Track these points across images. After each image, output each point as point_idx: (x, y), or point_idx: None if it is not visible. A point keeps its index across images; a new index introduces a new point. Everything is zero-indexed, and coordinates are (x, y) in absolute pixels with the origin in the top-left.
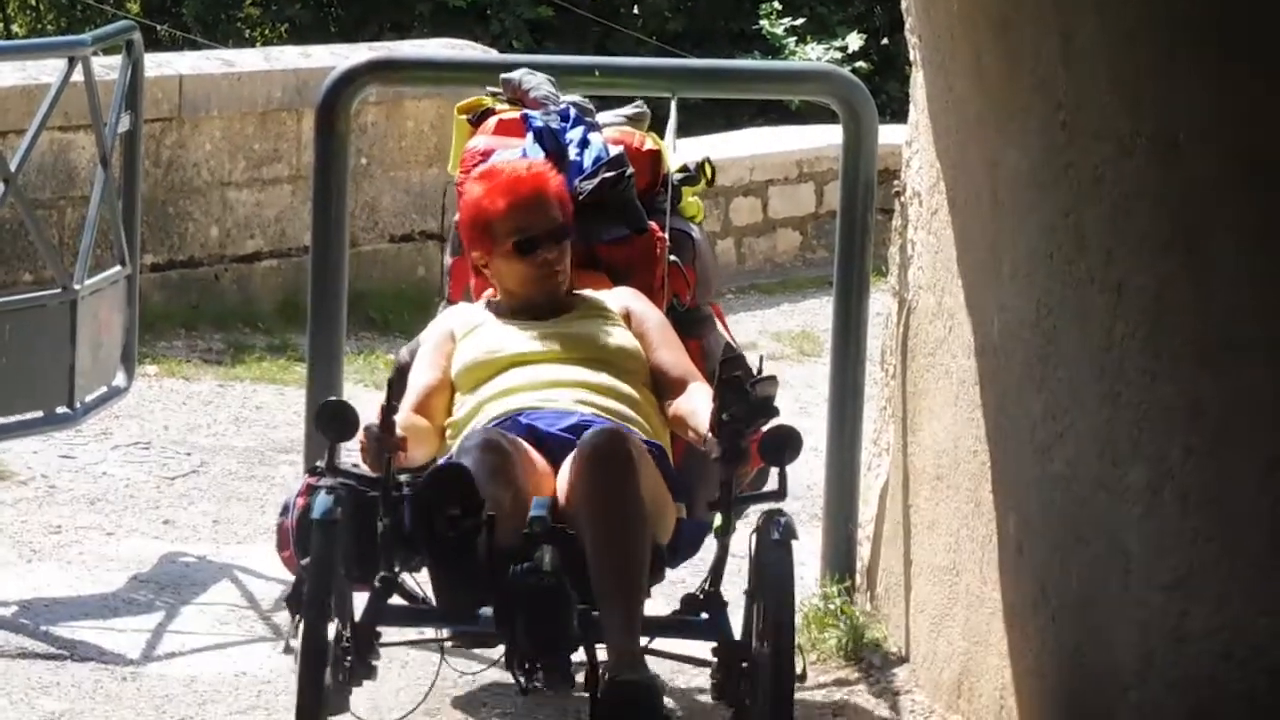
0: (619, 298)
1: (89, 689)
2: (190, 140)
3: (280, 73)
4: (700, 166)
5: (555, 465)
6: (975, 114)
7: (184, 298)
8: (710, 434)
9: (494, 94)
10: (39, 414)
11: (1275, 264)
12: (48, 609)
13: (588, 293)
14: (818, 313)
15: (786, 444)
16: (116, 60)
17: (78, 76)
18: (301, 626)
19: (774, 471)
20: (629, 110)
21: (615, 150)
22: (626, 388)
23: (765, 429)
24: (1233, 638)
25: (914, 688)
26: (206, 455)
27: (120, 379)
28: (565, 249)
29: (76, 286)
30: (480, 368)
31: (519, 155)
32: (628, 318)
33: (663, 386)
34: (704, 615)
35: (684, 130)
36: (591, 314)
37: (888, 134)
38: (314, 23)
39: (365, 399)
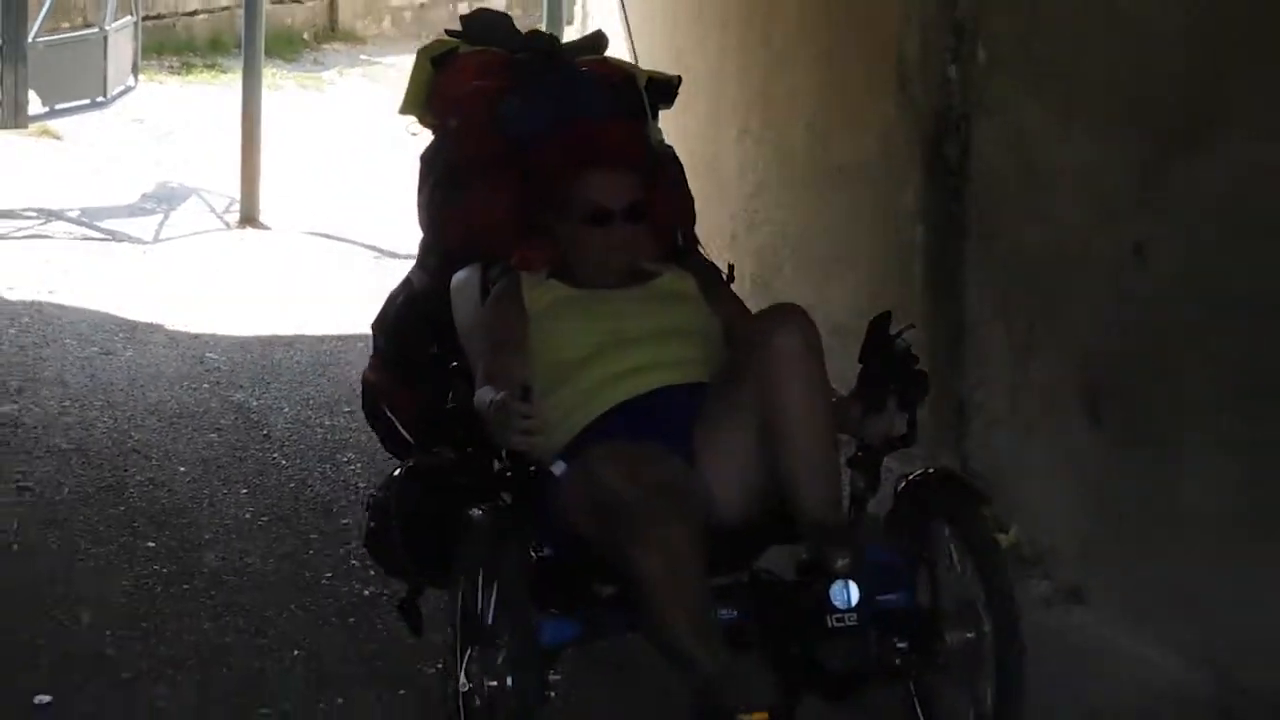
0: (692, 269)
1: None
2: None
3: None
4: (676, 83)
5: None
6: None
7: (156, 37)
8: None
9: (453, 34)
10: (86, 100)
11: (868, 202)
12: (96, 211)
13: (654, 266)
14: None
15: (919, 387)
16: None
17: None
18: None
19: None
20: (586, 39)
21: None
22: (704, 355)
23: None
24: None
25: None
26: (179, 124)
27: (130, 81)
28: (642, 226)
29: (107, 27)
30: (571, 347)
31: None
32: (701, 283)
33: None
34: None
35: None
36: (665, 285)
37: None
38: None
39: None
